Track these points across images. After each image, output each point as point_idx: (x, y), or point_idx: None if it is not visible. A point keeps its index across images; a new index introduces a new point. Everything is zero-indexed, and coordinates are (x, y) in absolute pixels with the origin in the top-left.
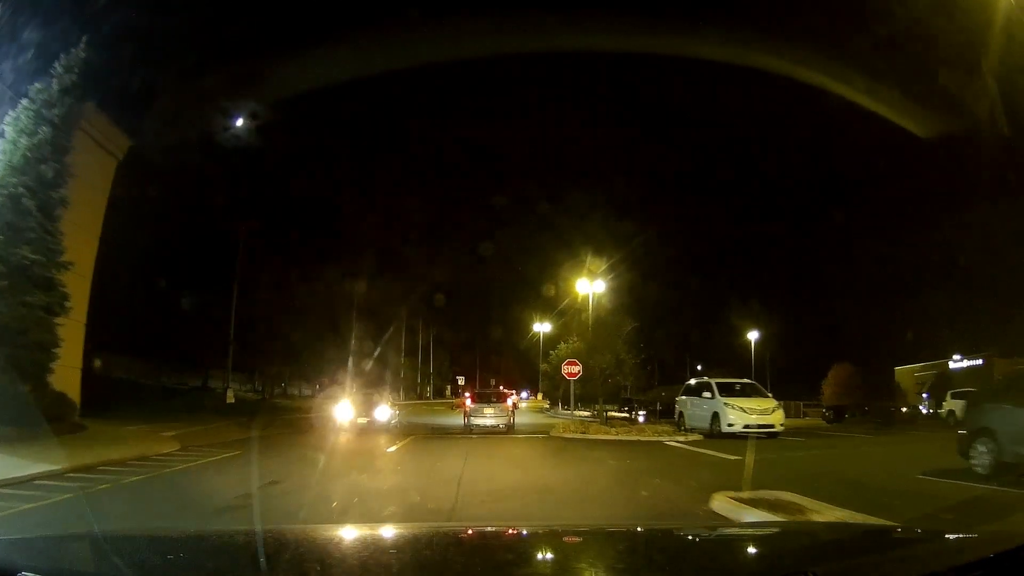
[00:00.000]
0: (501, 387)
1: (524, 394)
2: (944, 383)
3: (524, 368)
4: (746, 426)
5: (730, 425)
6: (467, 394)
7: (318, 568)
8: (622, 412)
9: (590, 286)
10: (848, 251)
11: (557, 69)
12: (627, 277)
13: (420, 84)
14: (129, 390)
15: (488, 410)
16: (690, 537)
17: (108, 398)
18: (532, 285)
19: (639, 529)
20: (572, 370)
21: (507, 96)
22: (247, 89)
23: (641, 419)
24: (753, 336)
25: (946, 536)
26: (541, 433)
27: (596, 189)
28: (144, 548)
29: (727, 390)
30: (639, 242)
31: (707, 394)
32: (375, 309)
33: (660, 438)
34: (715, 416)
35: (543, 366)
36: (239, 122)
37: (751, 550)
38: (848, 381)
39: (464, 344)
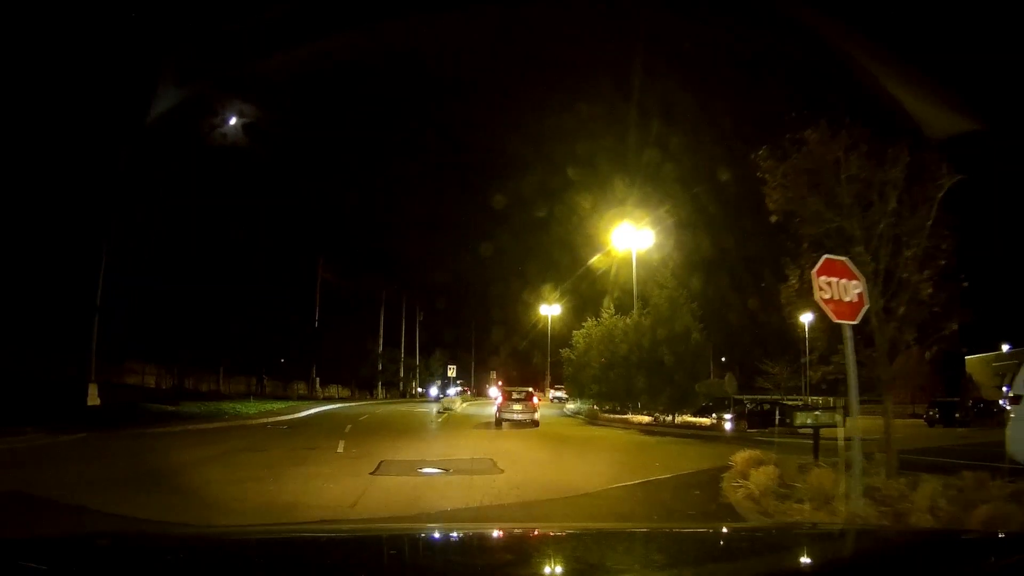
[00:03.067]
0: (530, 388)
1: (561, 393)
2: None
3: (525, 363)
4: None
5: None
6: (498, 395)
7: (318, 568)
8: (700, 417)
9: (634, 234)
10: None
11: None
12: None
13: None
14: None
15: (516, 407)
16: (691, 537)
17: None
18: (533, 274)
19: (640, 530)
20: (846, 295)
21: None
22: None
23: (728, 427)
24: (806, 319)
25: (948, 539)
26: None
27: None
28: (145, 547)
29: None
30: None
31: None
32: (349, 289)
33: None
34: None
35: (565, 352)
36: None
37: (753, 550)
38: (916, 373)
39: (459, 341)
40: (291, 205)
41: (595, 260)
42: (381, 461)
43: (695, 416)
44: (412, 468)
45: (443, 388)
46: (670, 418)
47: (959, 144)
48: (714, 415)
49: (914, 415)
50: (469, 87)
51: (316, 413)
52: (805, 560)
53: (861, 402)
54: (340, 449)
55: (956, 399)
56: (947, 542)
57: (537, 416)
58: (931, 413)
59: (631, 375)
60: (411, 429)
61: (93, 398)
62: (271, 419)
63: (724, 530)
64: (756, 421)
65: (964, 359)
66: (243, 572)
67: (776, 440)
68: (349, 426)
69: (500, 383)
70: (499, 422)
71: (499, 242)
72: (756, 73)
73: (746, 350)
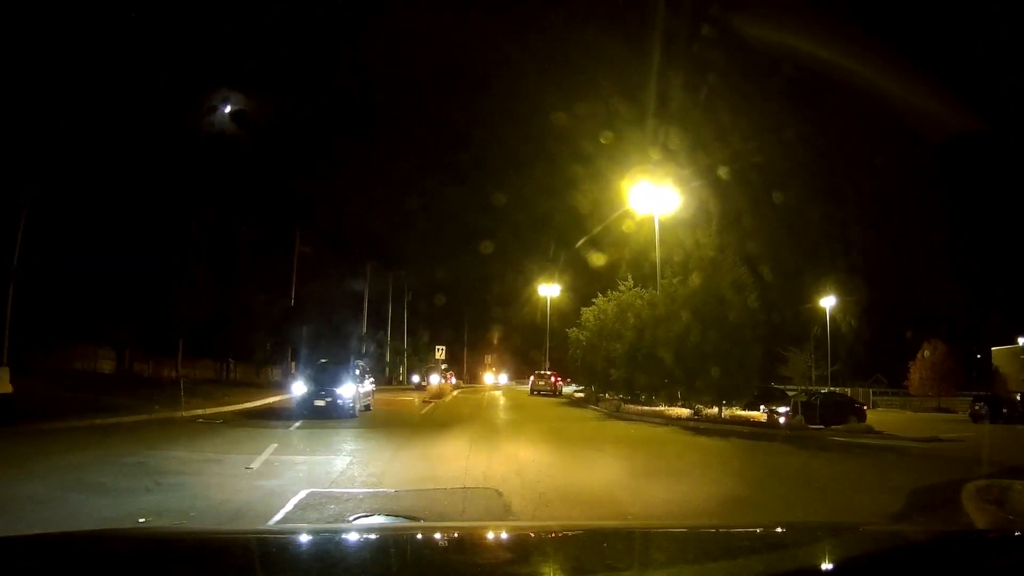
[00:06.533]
0: (551, 372)
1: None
2: None
3: (523, 357)
4: None
5: None
6: (530, 376)
7: (317, 568)
8: (752, 411)
9: (655, 195)
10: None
11: None
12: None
13: None
14: None
15: (541, 383)
16: (691, 536)
17: None
18: (533, 271)
19: (640, 529)
20: None
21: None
22: None
23: (783, 421)
24: (828, 304)
25: (952, 539)
26: None
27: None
28: (145, 547)
29: None
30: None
31: None
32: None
33: None
34: None
35: (572, 332)
36: None
37: (753, 550)
38: (942, 364)
39: (456, 338)
40: (273, 183)
41: (610, 221)
42: (308, 492)
43: (744, 409)
44: (352, 514)
45: (327, 382)
46: (715, 411)
47: None
48: (762, 407)
49: (939, 409)
50: (472, 71)
51: (271, 403)
52: (807, 560)
53: (880, 392)
54: (255, 464)
55: (988, 393)
56: (950, 541)
57: (557, 389)
58: (977, 408)
59: (669, 359)
60: (383, 426)
61: (4, 385)
62: (212, 410)
63: (724, 530)
64: (823, 415)
65: (991, 351)
66: (242, 571)
67: (858, 441)
68: (299, 422)
69: (551, 372)
70: (532, 391)
71: (500, 238)
72: None
73: (746, 344)
